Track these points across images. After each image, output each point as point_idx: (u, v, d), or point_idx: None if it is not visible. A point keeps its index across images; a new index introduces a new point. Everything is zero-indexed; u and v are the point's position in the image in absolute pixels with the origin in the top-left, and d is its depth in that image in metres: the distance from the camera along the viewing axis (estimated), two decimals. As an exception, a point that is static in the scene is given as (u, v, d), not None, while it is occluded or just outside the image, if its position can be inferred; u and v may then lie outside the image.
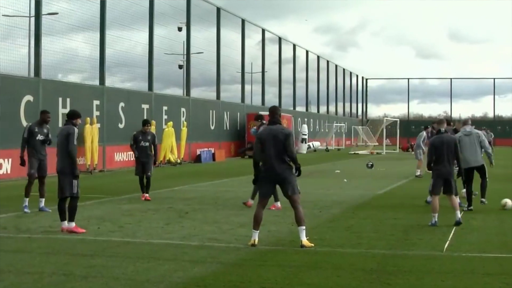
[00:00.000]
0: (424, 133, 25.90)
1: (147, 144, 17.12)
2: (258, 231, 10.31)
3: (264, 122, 16.61)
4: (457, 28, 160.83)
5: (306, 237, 10.26)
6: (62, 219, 11.66)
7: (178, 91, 42.61)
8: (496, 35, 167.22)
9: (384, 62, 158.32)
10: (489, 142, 17.76)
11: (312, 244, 10.15)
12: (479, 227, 12.42)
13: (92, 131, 27.71)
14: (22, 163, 14.54)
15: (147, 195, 16.96)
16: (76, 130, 11.73)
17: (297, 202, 10.34)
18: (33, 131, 14.50)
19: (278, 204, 14.83)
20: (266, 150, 10.38)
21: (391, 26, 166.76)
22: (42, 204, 14.49)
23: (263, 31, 51.07)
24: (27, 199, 14.33)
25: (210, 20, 41.69)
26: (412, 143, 47.48)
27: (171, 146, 33.71)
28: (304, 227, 10.24)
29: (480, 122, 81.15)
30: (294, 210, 10.38)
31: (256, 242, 10.18)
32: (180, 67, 43.99)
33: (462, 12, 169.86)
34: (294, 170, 10.45)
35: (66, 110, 26.72)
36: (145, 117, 32.93)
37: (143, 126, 17.32)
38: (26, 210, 14.19)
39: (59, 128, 12.42)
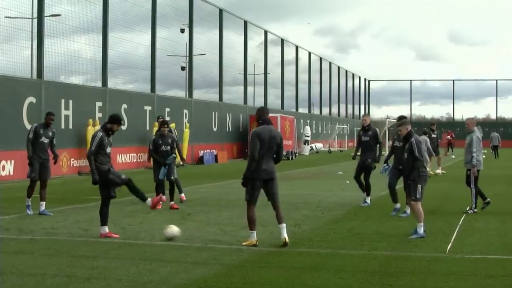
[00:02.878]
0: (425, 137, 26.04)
1: (168, 148, 15.76)
2: (256, 231, 10.40)
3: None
4: (456, 30, 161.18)
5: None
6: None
7: (181, 93, 42.68)
8: (496, 37, 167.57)
9: (385, 64, 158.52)
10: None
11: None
12: (481, 229, 12.40)
13: (94, 133, 27.70)
14: (31, 163, 14.32)
15: (173, 203, 15.52)
16: (100, 134, 11.21)
17: (279, 203, 10.58)
18: (38, 133, 14.30)
19: (182, 194, 16.49)
20: (262, 150, 10.36)
21: (390, 28, 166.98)
22: (43, 207, 14.24)
23: (266, 32, 51.11)
24: (30, 199, 14.20)
25: (212, 22, 41.74)
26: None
27: (174, 147, 33.70)
28: (285, 225, 10.46)
29: (482, 124, 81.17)
30: (275, 210, 10.52)
31: (257, 242, 10.27)
32: (183, 68, 44.04)
33: (461, 14, 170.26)
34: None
35: (69, 112, 26.88)
36: (147, 119, 33.06)
37: (160, 128, 16.04)
38: (28, 211, 14.06)
39: None
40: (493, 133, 49.53)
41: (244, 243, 10.36)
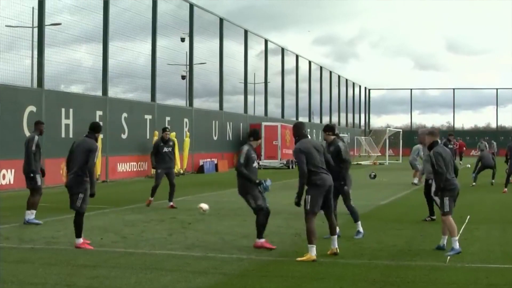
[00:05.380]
0: (420, 146, 26.00)
1: (255, 164, 11.36)
2: (315, 246, 10.04)
3: None
4: (454, 40, 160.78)
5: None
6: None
7: (181, 102, 42.69)
8: (494, 46, 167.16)
9: (384, 73, 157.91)
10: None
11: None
12: (482, 237, 12.40)
13: (95, 142, 27.69)
14: (44, 175, 14.51)
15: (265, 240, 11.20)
16: (98, 147, 11.50)
17: (334, 214, 10.62)
18: (39, 144, 14.32)
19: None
20: (313, 161, 10.24)
21: (389, 37, 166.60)
22: (33, 216, 14.18)
23: (266, 41, 51.17)
24: (35, 211, 14.13)
25: (212, 31, 41.79)
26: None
27: (174, 156, 33.68)
28: (336, 236, 10.47)
29: (483, 133, 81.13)
30: (330, 220, 10.58)
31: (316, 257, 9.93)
32: (183, 77, 44.05)
33: (460, 23, 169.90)
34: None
35: (69, 121, 26.86)
36: (147, 128, 33.05)
37: (253, 139, 11.46)
38: (37, 221, 13.97)
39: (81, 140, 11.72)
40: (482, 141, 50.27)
41: (300, 259, 9.96)
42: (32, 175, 14.27)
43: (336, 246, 10.27)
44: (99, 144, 27.77)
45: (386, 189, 24.54)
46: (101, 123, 17.65)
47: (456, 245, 10.52)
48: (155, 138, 30.96)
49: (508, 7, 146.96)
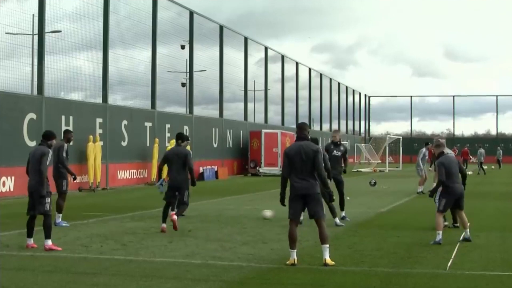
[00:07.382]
0: (424, 149, 25.98)
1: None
2: (296, 250, 10.12)
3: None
4: (453, 47, 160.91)
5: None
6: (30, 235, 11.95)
7: (181, 109, 42.70)
8: (493, 53, 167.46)
9: (382, 80, 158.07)
10: None
11: (333, 262, 10.01)
12: (482, 245, 12.39)
13: (95, 149, 27.75)
14: (75, 178, 15.88)
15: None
16: (50, 152, 12.07)
17: (322, 222, 10.24)
18: (67, 152, 15.50)
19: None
20: (295, 166, 10.18)
21: (387, 45, 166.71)
22: (59, 219, 15.17)
23: (266, 49, 51.24)
24: (61, 214, 15.22)
25: (212, 38, 41.86)
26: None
27: (174, 163, 33.63)
28: (328, 246, 10.12)
29: (483, 140, 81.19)
30: (318, 228, 10.25)
31: (296, 261, 10.00)
32: (183, 85, 44.08)
33: (457, 30, 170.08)
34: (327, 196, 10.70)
35: (69, 128, 26.83)
36: (147, 135, 33.03)
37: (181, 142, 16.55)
38: (64, 223, 15.11)
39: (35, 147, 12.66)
40: (480, 149, 50.27)
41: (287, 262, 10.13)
42: (59, 180, 15.48)
43: (326, 257, 10.00)
44: (99, 150, 28.05)
45: (386, 196, 24.51)
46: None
47: (437, 238, 12.28)
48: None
49: (506, 14, 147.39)
